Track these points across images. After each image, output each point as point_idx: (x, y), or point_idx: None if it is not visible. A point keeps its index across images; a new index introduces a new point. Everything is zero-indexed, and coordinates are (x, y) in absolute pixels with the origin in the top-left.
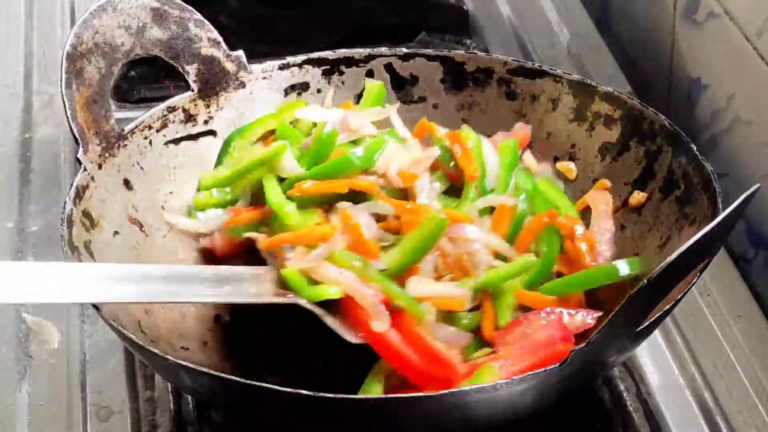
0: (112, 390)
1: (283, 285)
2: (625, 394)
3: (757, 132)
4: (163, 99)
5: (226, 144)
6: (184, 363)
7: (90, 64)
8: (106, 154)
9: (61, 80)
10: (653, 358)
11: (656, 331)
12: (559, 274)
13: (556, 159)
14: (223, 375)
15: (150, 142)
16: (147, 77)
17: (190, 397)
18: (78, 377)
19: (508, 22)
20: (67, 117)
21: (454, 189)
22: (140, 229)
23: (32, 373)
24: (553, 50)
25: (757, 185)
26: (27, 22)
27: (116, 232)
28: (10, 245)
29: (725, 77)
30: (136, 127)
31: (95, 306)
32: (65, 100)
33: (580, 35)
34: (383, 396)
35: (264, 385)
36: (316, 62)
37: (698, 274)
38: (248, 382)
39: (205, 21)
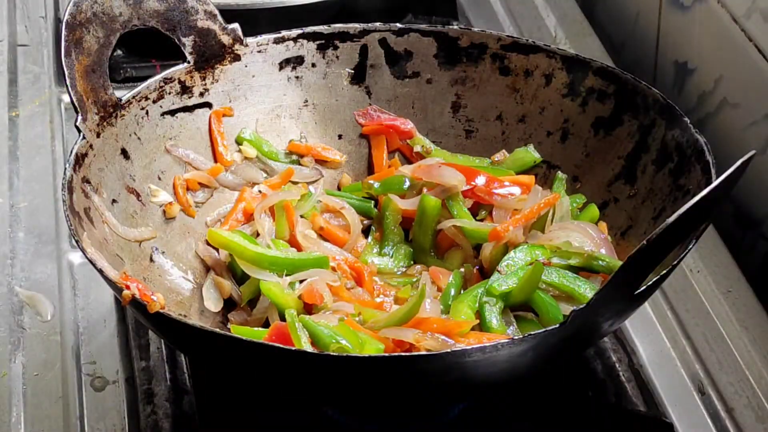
0: (107, 360)
1: None
2: (617, 365)
3: (744, 114)
4: (149, 78)
5: None
6: (182, 319)
7: (89, 33)
8: (105, 123)
9: (60, 48)
10: (645, 331)
11: (647, 307)
12: None
13: (549, 134)
14: (224, 333)
15: (147, 113)
16: (133, 56)
17: (185, 366)
18: (72, 348)
19: (495, 5)
20: (66, 85)
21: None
22: (137, 198)
23: (26, 345)
24: (539, 34)
25: (753, 151)
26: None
27: (114, 201)
28: (2, 220)
29: (712, 60)
30: (133, 97)
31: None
32: (65, 68)
33: (566, 20)
34: (384, 354)
35: (266, 342)
36: (311, 36)
37: (695, 240)
38: (249, 339)
39: None
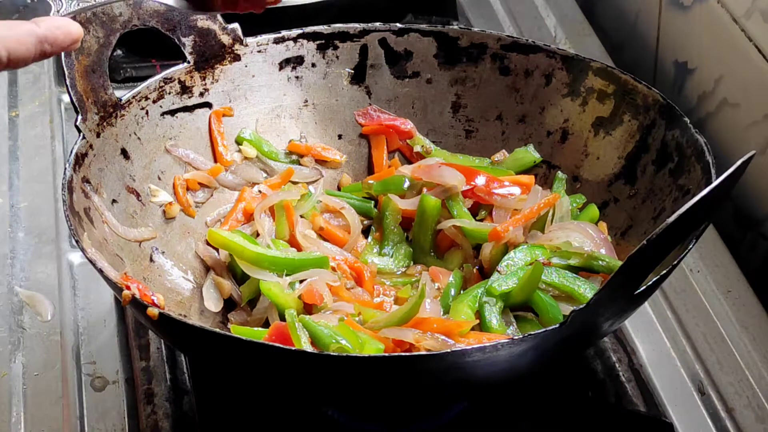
0: (107, 360)
1: None
2: (617, 365)
3: (744, 114)
4: (149, 78)
5: None
6: (182, 319)
7: (89, 33)
8: (104, 123)
9: None
10: (645, 331)
11: (647, 307)
12: None
13: (549, 134)
14: (224, 333)
15: (147, 113)
16: (133, 56)
17: (185, 366)
18: (72, 348)
19: (495, 5)
20: (67, 85)
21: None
22: (137, 198)
23: (26, 345)
24: (539, 34)
25: (753, 151)
26: None
27: (114, 201)
28: (2, 220)
29: (713, 60)
30: (134, 97)
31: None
32: (65, 68)
33: (566, 20)
34: (384, 354)
35: (266, 342)
36: (311, 36)
37: (695, 240)
38: (249, 339)
39: None
